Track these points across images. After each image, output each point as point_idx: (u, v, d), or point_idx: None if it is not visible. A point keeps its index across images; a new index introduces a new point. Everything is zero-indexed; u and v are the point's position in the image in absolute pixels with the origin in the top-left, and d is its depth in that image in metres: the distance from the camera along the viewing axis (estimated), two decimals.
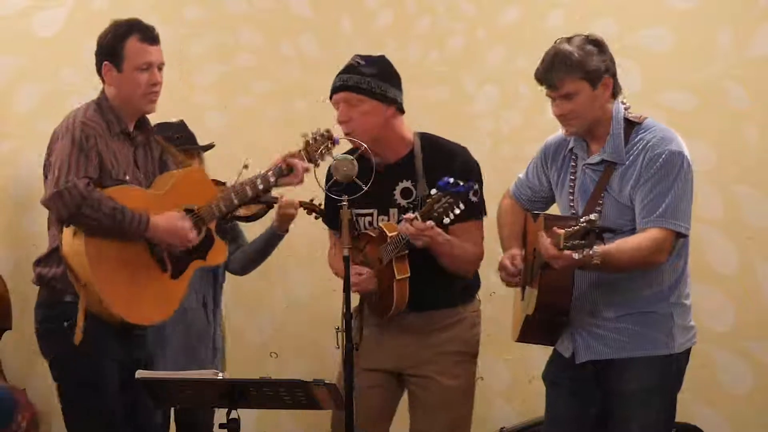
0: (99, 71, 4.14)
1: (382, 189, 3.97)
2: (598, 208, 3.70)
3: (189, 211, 4.11)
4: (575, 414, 3.87)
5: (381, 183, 3.97)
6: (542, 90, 3.75)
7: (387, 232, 3.99)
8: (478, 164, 4.11)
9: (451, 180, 3.78)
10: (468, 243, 4.04)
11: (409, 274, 3.97)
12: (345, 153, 4.02)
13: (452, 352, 4.12)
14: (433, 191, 3.83)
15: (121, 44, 4.08)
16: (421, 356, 4.10)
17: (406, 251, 3.95)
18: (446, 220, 3.82)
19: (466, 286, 4.19)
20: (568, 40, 3.73)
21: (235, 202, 4.19)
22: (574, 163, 3.85)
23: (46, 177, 4.05)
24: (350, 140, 4.05)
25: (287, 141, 4.73)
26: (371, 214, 4.11)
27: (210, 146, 4.85)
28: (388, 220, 4.07)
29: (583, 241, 3.40)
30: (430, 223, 3.83)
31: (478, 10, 5.41)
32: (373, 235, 4.08)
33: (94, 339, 3.96)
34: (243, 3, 5.45)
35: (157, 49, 4.12)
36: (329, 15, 5.46)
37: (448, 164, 4.02)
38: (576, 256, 3.44)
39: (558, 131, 3.91)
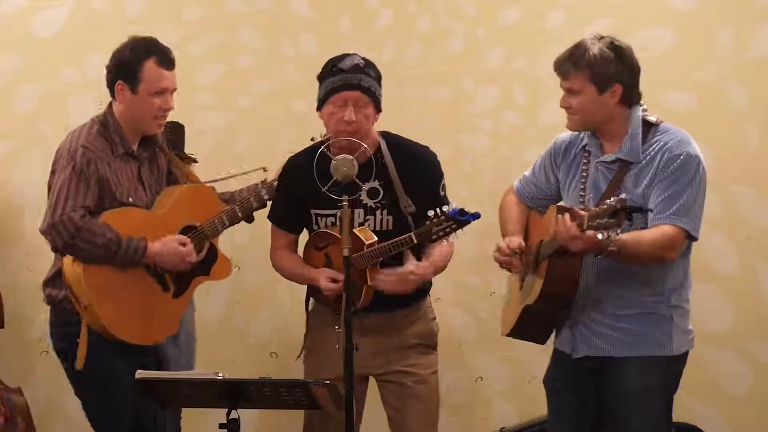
0: (110, 87, 4.12)
1: (347, 188, 3.96)
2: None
3: (191, 228, 4.11)
4: (575, 410, 3.89)
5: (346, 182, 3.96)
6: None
7: (364, 240, 4.02)
8: (437, 158, 4.20)
9: (459, 209, 3.84)
10: (444, 246, 4.10)
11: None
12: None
13: (414, 345, 4.17)
14: (431, 212, 3.88)
15: (139, 66, 4.05)
16: (387, 357, 4.13)
17: (381, 259, 4.02)
18: (443, 243, 3.95)
19: (425, 283, 4.22)
20: (600, 38, 3.76)
21: (240, 215, 4.22)
22: (586, 160, 3.86)
23: (49, 194, 4.06)
24: (350, 139, 4.06)
25: (287, 141, 4.75)
26: (334, 215, 4.12)
27: (188, 156, 4.82)
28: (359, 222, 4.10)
29: (611, 220, 3.40)
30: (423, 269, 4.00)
31: (478, 10, 5.41)
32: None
33: (104, 350, 3.98)
34: (243, 3, 5.44)
35: (172, 74, 4.11)
36: (329, 15, 5.45)
37: (419, 166, 4.13)
38: (600, 236, 3.43)
39: (566, 130, 3.93)
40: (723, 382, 5.16)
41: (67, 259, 3.96)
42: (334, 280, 4.05)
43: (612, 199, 3.41)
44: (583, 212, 3.50)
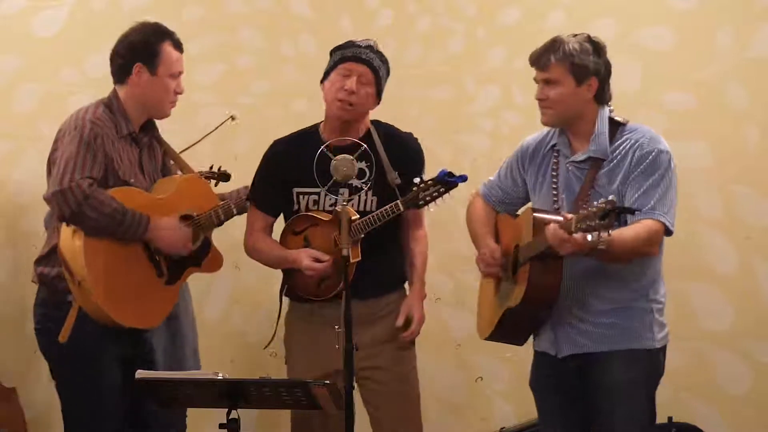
0: (122, 71, 4.11)
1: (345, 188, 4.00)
2: (584, 206, 3.73)
3: (188, 217, 4.12)
4: (561, 409, 3.91)
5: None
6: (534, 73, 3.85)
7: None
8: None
9: (448, 171, 3.89)
10: (417, 228, 4.22)
11: (360, 258, 4.03)
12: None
13: (392, 341, 4.17)
14: (417, 179, 3.94)
15: (158, 47, 4.11)
16: (366, 351, 4.09)
17: (362, 236, 4.03)
18: (431, 209, 3.91)
19: (401, 273, 4.26)
20: (574, 35, 3.84)
21: (234, 211, 4.23)
22: (555, 161, 3.89)
23: (49, 172, 4.05)
24: (350, 140, 4.09)
25: None
26: (317, 193, 4.14)
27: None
28: (336, 200, 4.09)
29: (602, 222, 3.42)
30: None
31: (478, 10, 5.41)
32: (325, 219, 4.09)
33: (93, 337, 3.96)
34: (243, 3, 5.44)
35: (182, 58, 4.19)
36: (329, 15, 5.46)
37: (405, 150, 4.20)
38: (590, 237, 3.45)
39: (534, 133, 3.98)
40: (723, 382, 5.16)
41: (66, 233, 3.93)
42: (318, 260, 4.05)
43: (601, 201, 3.43)
44: (569, 216, 3.52)
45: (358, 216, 4.03)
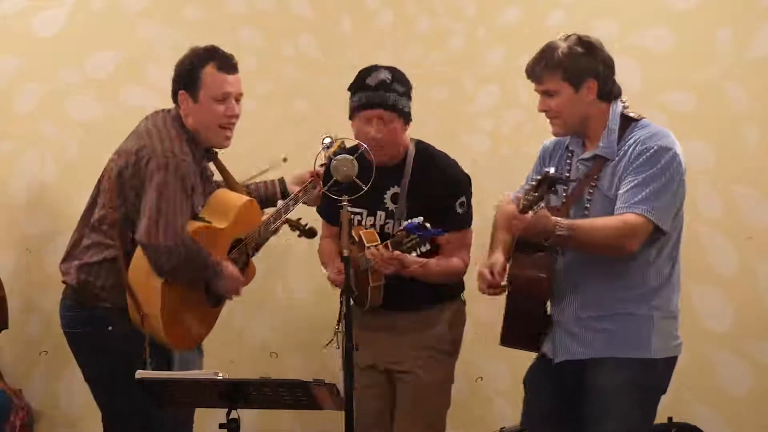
0: (175, 99, 4.03)
1: (374, 190, 4.01)
2: (587, 205, 3.74)
3: (238, 241, 4.10)
4: (555, 417, 3.90)
5: (374, 184, 3.99)
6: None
7: (365, 242, 4.10)
8: (467, 177, 4.28)
9: (418, 222, 3.92)
10: (450, 256, 4.18)
11: (383, 282, 4.10)
12: (344, 153, 4.06)
13: (429, 347, 4.22)
14: (405, 222, 3.99)
15: (198, 73, 3.97)
16: (398, 353, 4.19)
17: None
18: (414, 255, 3.99)
19: (448, 287, 4.27)
20: (566, 38, 3.77)
21: (272, 226, 4.21)
22: (569, 160, 3.87)
23: (114, 189, 3.94)
24: (356, 141, 4.12)
25: (288, 141, 4.74)
26: (361, 213, 4.22)
27: None
28: (374, 222, 4.19)
29: (536, 194, 3.45)
30: (396, 252, 3.99)
31: (478, 10, 5.41)
32: (356, 238, 4.17)
33: (137, 344, 3.95)
34: (243, 3, 5.44)
35: (235, 79, 4.03)
36: (329, 15, 5.45)
37: (437, 176, 4.19)
38: (531, 213, 3.46)
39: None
40: (723, 383, 5.15)
41: (139, 270, 3.88)
42: (341, 272, 4.09)
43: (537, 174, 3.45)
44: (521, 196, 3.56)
45: (378, 242, 4.08)
